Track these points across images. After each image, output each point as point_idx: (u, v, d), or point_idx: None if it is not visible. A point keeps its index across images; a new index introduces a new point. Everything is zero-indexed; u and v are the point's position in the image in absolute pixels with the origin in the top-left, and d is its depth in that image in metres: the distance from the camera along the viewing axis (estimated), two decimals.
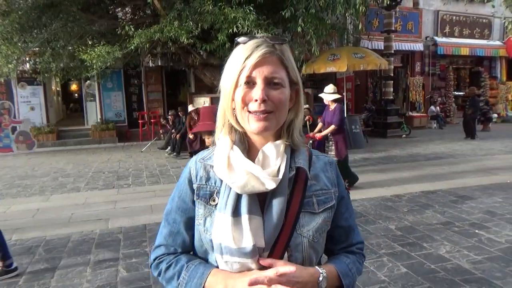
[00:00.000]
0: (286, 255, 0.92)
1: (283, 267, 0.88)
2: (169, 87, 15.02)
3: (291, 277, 0.88)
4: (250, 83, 0.92)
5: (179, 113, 11.79)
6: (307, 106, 9.84)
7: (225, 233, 0.89)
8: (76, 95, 13.92)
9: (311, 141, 6.14)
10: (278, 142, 0.96)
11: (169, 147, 10.67)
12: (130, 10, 10.81)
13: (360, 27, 9.10)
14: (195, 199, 0.98)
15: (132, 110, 14.18)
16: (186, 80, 15.15)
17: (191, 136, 9.21)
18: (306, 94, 11.74)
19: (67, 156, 10.76)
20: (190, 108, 9.78)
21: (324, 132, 6.01)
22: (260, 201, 0.94)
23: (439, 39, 15.60)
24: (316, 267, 0.96)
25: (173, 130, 10.88)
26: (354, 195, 5.87)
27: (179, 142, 10.16)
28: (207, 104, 9.61)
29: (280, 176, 0.93)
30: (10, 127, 12.07)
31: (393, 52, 12.68)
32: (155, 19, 9.15)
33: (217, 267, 0.95)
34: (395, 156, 9.32)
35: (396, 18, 13.83)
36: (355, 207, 5.29)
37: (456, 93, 16.64)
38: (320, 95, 6.23)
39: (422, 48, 15.50)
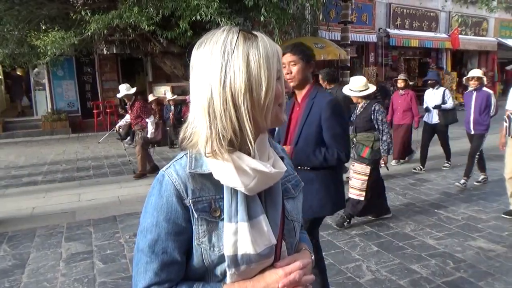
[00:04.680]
0: (283, 243, 0.92)
1: (302, 260, 0.91)
2: (124, 75, 14.46)
3: (307, 265, 0.92)
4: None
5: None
6: None
7: (243, 241, 0.83)
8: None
9: None
10: (265, 132, 0.90)
11: (128, 138, 10.35)
12: None
13: (321, 17, 9.27)
14: (194, 216, 0.85)
15: (85, 100, 13.49)
16: (143, 69, 14.67)
17: None
18: None
19: (17, 148, 10.10)
20: (151, 97, 9.53)
21: None
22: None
23: (391, 31, 16.25)
24: (303, 248, 1.01)
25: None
26: None
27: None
28: (169, 94, 9.38)
29: (284, 166, 0.90)
30: None
31: (349, 42, 13.06)
32: (111, 4, 8.77)
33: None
34: None
35: (352, 9, 14.23)
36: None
37: None
38: None
39: (375, 40, 16.06)
